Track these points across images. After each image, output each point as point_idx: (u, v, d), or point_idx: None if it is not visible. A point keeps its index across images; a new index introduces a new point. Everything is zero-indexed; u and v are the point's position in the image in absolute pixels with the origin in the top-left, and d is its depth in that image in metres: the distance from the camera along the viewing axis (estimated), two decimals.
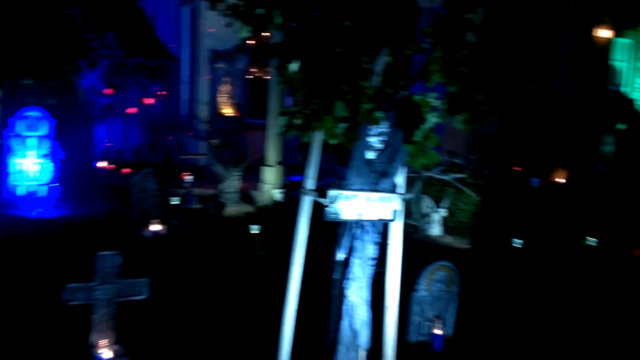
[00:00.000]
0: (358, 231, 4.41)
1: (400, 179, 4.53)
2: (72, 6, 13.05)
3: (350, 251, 4.46)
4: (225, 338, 5.30)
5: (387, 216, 4.44)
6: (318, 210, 4.21)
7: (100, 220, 8.35)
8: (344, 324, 4.47)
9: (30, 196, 9.75)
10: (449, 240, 9.45)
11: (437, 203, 9.78)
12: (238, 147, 11.04)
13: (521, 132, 12.54)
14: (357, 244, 4.42)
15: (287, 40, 4.15)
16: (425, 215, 9.75)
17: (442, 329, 5.31)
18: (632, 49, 13.84)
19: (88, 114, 11.90)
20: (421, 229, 9.67)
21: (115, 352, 4.68)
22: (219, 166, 10.21)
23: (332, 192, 4.17)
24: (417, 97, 4.25)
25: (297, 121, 3.89)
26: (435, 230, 9.65)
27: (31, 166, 9.91)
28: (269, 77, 11.35)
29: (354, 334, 4.47)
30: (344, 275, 4.49)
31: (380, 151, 4.28)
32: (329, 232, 4.66)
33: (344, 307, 4.46)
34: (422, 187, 9.94)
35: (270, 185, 10.40)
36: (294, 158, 12.09)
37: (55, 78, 11.67)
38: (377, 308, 4.53)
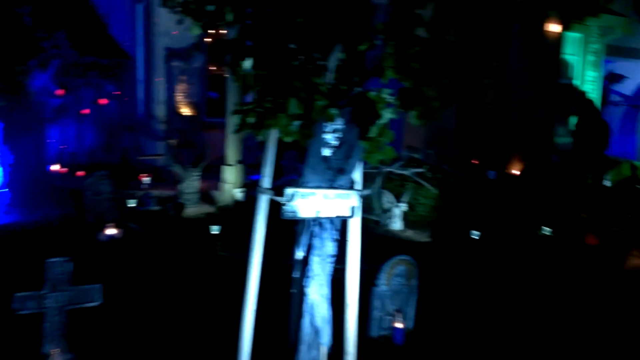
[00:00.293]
0: (316, 229, 4.40)
1: (357, 175, 4.55)
2: (20, 5, 12.56)
3: (309, 249, 4.45)
4: (184, 342, 5.21)
5: (345, 213, 4.44)
6: (277, 208, 4.18)
7: (53, 226, 8.07)
8: (305, 322, 4.46)
9: None
10: (409, 234, 9.56)
11: (398, 198, 9.87)
12: (197, 146, 10.88)
13: (478, 126, 12.81)
14: (316, 242, 4.41)
15: (239, 38, 4.10)
16: (386, 211, 9.83)
17: (402, 323, 5.36)
18: (581, 43, 14.30)
19: (40, 115, 11.48)
20: (382, 224, 9.74)
21: None
22: (178, 166, 10.03)
23: (289, 190, 4.14)
24: (371, 94, 4.27)
25: (251, 119, 3.84)
26: (396, 224, 9.74)
27: None
28: (227, 75, 11.22)
29: (315, 331, 4.46)
30: (303, 274, 4.47)
31: (336, 148, 4.28)
32: (288, 231, 4.64)
33: (305, 305, 4.45)
34: (382, 183, 10.02)
35: (231, 185, 10.28)
36: (255, 156, 11.99)
37: (3, 80, 11.22)
38: (338, 304, 4.54)
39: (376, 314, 5.41)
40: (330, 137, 4.23)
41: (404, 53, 4.13)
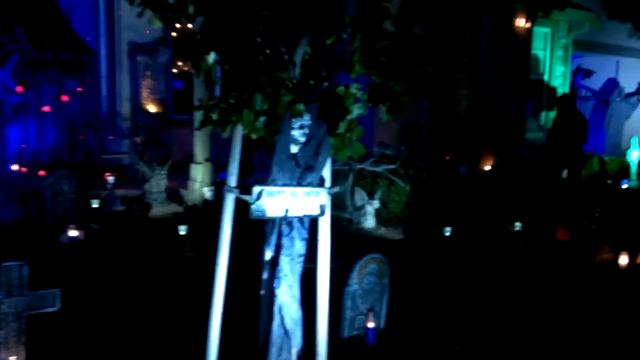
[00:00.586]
0: (285, 228, 4.25)
1: (326, 172, 4.41)
2: None
3: (278, 249, 4.30)
4: (149, 346, 5.00)
5: (315, 211, 4.30)
6: (245, 207, 4.02)
7: (11, 228, 7.73)
8: (275, 324, 4.31)
9: None
10: (382, 231, 9.50)
11: (370, 195, 9.79)
12: (164, 144, 10.60)
13: (450, 122, 12.83)
14: (285, 241, 4.25)
15: (201, 31, 3.92)
16: (359, 208, 9.74)
17: (375, 322, 5.26)
18: (550, 38, 14.48)
19: None
20: (355, 222, 9.65)
21: None
22: (143, 165, 9.74)
23: (256, 189, 3.98)
24: (340, 89, 4.14)
25: (214, 116, 3.67)
26: (369, 222, 9.66)
27: None
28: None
29: (286, 333, 4.32)
30: (272, 274, 4.32)
31: (304, 145, 4.13)
32: (256, 230, 4.49)
33: (275, 307, 4.30)
34: (354, 180, 9.92)
35: (200, 184, 10.04)
36: (225, 154, 11.73)
37: None
38: (310, 305, 4.41)
39: (348, 313, 5.30)
40: (297, 134, 4.08)
41: (372, 47, 4.02)
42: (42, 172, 10.88)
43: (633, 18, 14.48)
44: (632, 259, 7.59)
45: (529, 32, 12.93)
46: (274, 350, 4.30)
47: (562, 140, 10.94)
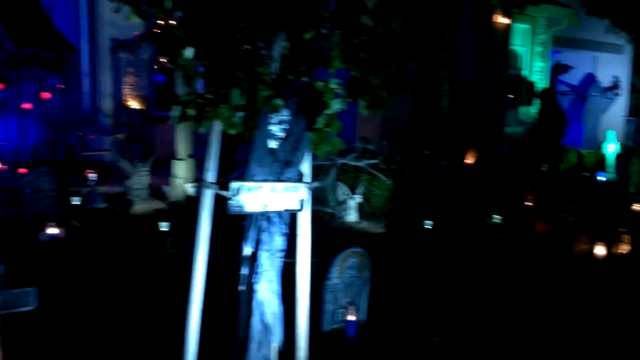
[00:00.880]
0: (264, 223, 4.28)
1: (305, 167, 4.45)
2: None
3: (258, 244, 4.33)
4: (128, 343, 5.00)
5: (294, 206, 4.34)
6: (225, 203, 4.04)
7: None
8: (255, 319, 4.34)
9: None
10: (364, 225, 9.56)
11: (352, 190, 9.85)
12: (146, 140, 10.54)
13: (431, 117, 12.95)
14: (264, 237, 4.28)
15: (179, 25, 3.92)
16: (341, 203, 9.80)
17: (355, 315, 5.31)
18: (529, 34, 14.65)
19: None
20: (337, 216, 9.70)
21: None
22: (125, 162, 9.68)
23: (234, 184, 4.00)
24: (319, 84, 4.17)
25: (191, 111, 3.68)
26: (352, 216, 9.73)
27: None
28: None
29: (266, 329, 4.35)
30: (252, 270, 4.35)
31: (283, 140, 4.16)
32: (237, 226, 4.50)
33: (254, 302, 4.33)
34: (336, 175, 9.97)
35: (182, 180, 10.01)
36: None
37: None
38: (290, 300, 4.45)
39: (329, 307, 5.35)
40: (276, 129, 4.11)
41: (351, 42, 4.06)
42: (22, 170, 10.77)
43: (611, 14, 14.71)
44: (608, 249, 7.75)
45: (508, 29, 13.07)
46: (253, 345, 4.33)
47: (541, 134, 11.11)
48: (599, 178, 12.13)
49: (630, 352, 5.35)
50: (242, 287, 4.46)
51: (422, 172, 10.44)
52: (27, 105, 13.04)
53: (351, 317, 5.29)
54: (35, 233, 7.34)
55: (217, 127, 3.98)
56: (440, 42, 12.09)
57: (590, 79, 15.58)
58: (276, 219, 4.29)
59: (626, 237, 7.94)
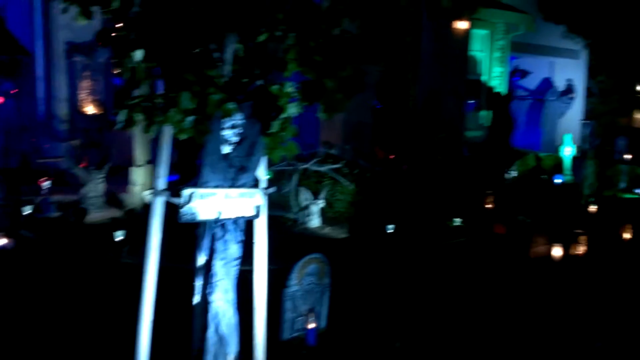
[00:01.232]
0: (219, 231, 4.16)
1: (261, 172, 4.35)
2: None
3: (212, 253, 4.20)
4: (77, 357, 4.79)
5: (250, 213, 4.24)
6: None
7: None
8: (210, 330, 4.21)
9: None
10: (327, 231, 9.50)
11: (315, 195, 9.78)
12: (102, 147, 10.23)
13: (393, 121, 13.01)
14: (219, 245, 4.16)
15: (126, 27, 3.78)
16: (304, 208, 9.71)
17: (315, 323, 5.23)
18: (488, 40, 14.92)
19: None
20: (300, 222, 9.62)
21: None
22: (79, 169, 9.37)
23: (185, 191, 3.88)
24: (274, 87, 4.09)
25: (138, 116, 3.53)
26: (314, 222, 9.65)
27: None
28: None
29: (221, 340, 4.23)
30: (207, 279, 4.22)
31: (237, 145, 4.06)
32: (192, 234, 4.37)
33: (209, 313, 4.20)
34: (299, 180, 9.89)
35: (140, 187, 9.74)
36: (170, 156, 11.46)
37: None
38: (249, 309, 4.34)
39: (288, 315, 5.24)
40: (229, 134, 4.00)
41: (307, 45, 4.00)
42: None
43: (567, 20, 15.14)
44: (565, 250, 7.90)
45: (467, 34, 13.27)
46: (209, 357, 4.19)
47: (493, 138, 11.32)
48: (556, 180, 12.41)
49: (586, 348, 5.43)
50: (196, 298, 4.32)
51: (384, 177, 10.46)
52: None
53: (311, 325, 5.20)
54: None
55: (167, 132, 3.84)
56: (401, 47, 12.18)
57: (547, 84, 15.99)
58: (231, 226, 4.18)
59: (582, 238, 8.12)
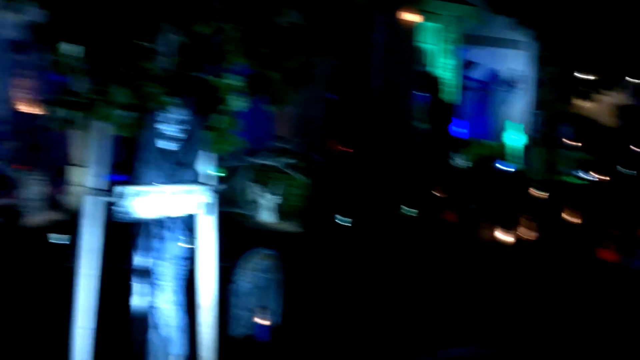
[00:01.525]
0: (159, 230, 3.99)
1: (207, 168, 4.19)
2: None
3: (154, 253, 4.03)
4: None
5: (194, 210, 4.08)
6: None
7: None
8: (153, 333, 4.04)
9: None
10: (282, 225, 9.39)
11: (267, 189, 9.66)
12: (41, 147, 9.76)
13: (346, 114, 12.98)
14: (160, 244, 4.00)
15: (52, 18, 3.56)
16: (257, 203, 9.58)
17: (266, 318, 5.12)
18: (439, 32, 15.07)
19: None
20: (252, 217, 9.47)
21: None
22: (15, 171, 8.91)
23: (120, 189, 3.69)
24: (217, 80, 3.93)
25: (61, 112, 3.32)
26: (268, 217, 9.53)
27: None
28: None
29: (166, 342, 4.06)
30: (149, 280, 4.05)
31: (177, 140, 3.89)
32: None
33: (153, 315, 4.03)
34: (251, 175, 9.74)
35: (82, 188, 9.34)
36: (114, 155, 11.08)
37: None
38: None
39: (237, 312, 5.11)
40: (167, 128, 3.83)
41: (251, 36, 3.87)
42: None
43: (516, 13, 15.48)
44: (512, 235, 8.08)
45: (418, 27, 13.35)
46: None
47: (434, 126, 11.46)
48: (504, 168, 12.70)
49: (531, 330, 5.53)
50: (134, 299, 4.14)
51: (337, 169, 10.43)
52: None
53: (262, 321, 5.09)
54: None
55: (100, 128, 3.64)
56: (353, 39, 12.14)
57: (495, 75, 16.30)
58: (173, 225, 4.02)
59: (528, 223, 8.31)
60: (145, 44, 3.55)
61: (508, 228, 8.11)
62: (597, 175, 12.83)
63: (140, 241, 4.01)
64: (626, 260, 7.59)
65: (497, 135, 15.66)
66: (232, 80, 3.96)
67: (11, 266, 6.60)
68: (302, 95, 11.93)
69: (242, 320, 5.15)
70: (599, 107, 21.74)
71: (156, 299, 4.00)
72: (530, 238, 8.39)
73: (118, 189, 3.65)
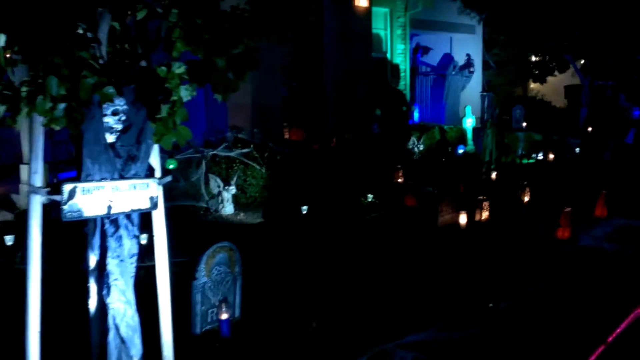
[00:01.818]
0: (110, 227, 3.84)
1: (154, 161, 4.06)
2: None
3: (105, 251, 3.88)
4: None
5: (145, 205, 3.94)
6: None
7: None
8: (110, 334, 3.90)
9: None
10: (242, 217, 9.27)
11: (226, 181, 9.50)
12: None
13: (302, 102, 12.91)
14: (111, 242, 3.84)
15: None
16: (215, 196, 9.41)
17: (228, 313, 5.04)
18: (388, 17, 15.14)
19: None
20: (213, 210, 9.31)
21: None
22: None
23: (66, 187, 3.52)
24: (161, 69, 3.78)
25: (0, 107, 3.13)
26: (227, 209, 9.37)
27: None
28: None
29: (123, 343, 3.93)
30: (101, 280, 3.91)
31: (122, 132, 3.74)
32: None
33: (108, 316, 3.89)
34: (207, 167, 9.56)
35: None
36: (66, 152, 10.67)
37: None
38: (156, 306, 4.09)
39: (199, 308, 5.02)
40: (112, 121, 3.68)
41: (193, 22, 3.72)
42: None
43: None
44: (470, 216, 8.24)
45: (368, 12, 13.36)
46: None
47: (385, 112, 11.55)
48: (459, 151, 12.92)
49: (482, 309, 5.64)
50: (91, 300, 4.00)
51: (295, 158, 10.36)
52: None
53: (224, 316, 5.01)
54: None
55: (37, 122, 3.46)
56: (305, 26, 12.04)
57: (447, 59, 16.54)
58: (124, 221, 3.87)
59: (484, 204, 8.49)
60: (83, 31, 3.37)
61: (462, 209, 8.27)
62: (547, 155, 13.24)
63: (92, 240, 3.85)
64: (578, 238, 7.86)
65: (451, 119, 15.93)
66: (177, 69, 3.81)
67: None
68: (259, 84, 11.83)
69: (204, 316, 5.06)
70: (547, 88, 22.43)
71: (110, 298, 3.86)
72: (486, 219, 8.57)
73: (64, 186, 3.49)
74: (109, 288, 3.85)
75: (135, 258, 3.93)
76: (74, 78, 3.21)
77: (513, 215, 8.99)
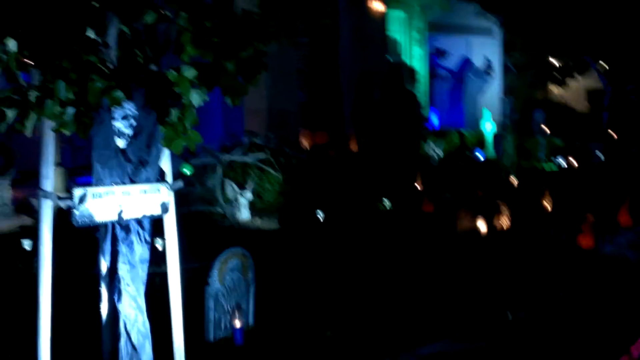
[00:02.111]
0: (121, 232, 3.81)
1: (166, 165, 4.03)
2: None
3: (116, 257, 3.86)
4: None
5: (156, 210, 3.91)
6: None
7: None
8: (122, 340, 3.87)
9: None
10: (257, 223, 9.25)
11: (242, 186, 9.50)
12: (6, 150, 9.45)
13: (319, 107, 12.86)
14: (122, 248, 3.81)
15: None
16: (231, 201, 9.41)
17: (242, 321, 4.98)
18: (406, 21, 15.03)
19: None
20: (229, 216, 9.32)
21: None
22: None
23: (77, 192, 3.51)
24: (171, 73, 3.76)
25: (10, 111, 3.12)
26: (243, 214, 9.37)
27: None
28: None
29: (134, 349, 3.90)
30: (113, 286, 3.88)
31: (133, 137, 3.72)
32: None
33: (119, 322, 3.86)
34: (224, 172, 9.57)
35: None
36: (85, 157, 10.81)
37: None
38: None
39: (212, 315, 4.96)
40: (122, 125, 3.65)
41: (202, 25, 3.70)
42: None
43: None
44: (489, 223, 8.07)
45: (385, 16, 13.29)
46: None
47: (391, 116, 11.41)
48: (478, 156, 12.73)
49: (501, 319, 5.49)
50: (103, 306, 3.98)
51: (312, 163, 10.31)
52: None
53: (237, 323, 4.95)
54: None
55: (47, 127, 3.46)
56: (321, 30, 12.01)
57: (466, 63, 16.37)
58: (135, 227, 3.84)
59: (504, 210, 8.32)
60: (91, 35, 3.36)
61: (482, 215, 8.10)
62: (569, 161, 12.98)
63: (103, 245, 3.83)
64: (600, 246, 7.64)
65: (470, 124, 15.74)
66: (187, 73, 3.78)
67: None
68: (274, 89, 11.84)
69: (217, 323, 5.00)
70: (568, 92, 22.04)
71: (121, 304, 3.83)
72: (505, 226, 8.39)
73: (75, 191, 3.48)
74: (120, 294, 3.82)
75: (146, 264, 3.90)
76: (82, 82, 3.20)
77: (533, 222, 8.79)
